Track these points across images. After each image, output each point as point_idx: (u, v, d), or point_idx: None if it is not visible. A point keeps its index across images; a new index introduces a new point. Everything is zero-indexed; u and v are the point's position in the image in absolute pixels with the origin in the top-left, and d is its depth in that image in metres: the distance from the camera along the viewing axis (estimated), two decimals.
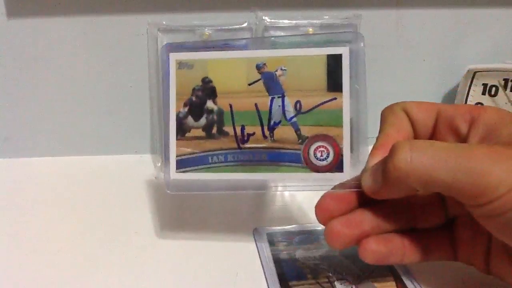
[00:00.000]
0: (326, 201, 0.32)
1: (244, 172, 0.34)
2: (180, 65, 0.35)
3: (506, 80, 0.52)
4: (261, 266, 0.36)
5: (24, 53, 0.52)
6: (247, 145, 0.34)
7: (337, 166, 0.34)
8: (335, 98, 0.34)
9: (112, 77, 0.54)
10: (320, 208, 0.32)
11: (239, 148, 0.34)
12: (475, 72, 0.52)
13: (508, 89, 0.52)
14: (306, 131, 0.34)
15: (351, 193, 0.32)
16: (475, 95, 0.53)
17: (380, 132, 0.34)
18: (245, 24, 0.52)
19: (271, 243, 0.39)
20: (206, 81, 0.35)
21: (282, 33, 0.52)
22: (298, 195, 0.46)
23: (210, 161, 0.35)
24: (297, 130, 0.34)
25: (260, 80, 0.34)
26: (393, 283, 0.35)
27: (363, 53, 0.34)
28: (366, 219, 0.32)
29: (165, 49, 0.36)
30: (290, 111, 0.34)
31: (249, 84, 0.34)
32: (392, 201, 0.32)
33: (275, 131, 0.34)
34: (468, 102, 0.53)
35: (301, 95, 0.34)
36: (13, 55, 0.52)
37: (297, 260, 0.37)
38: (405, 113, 0.34)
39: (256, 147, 0.34)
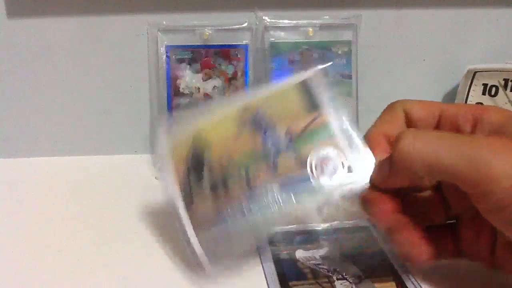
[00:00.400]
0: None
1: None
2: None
3: (506, 80, 0.52)
4: (261, 266, 0.36)
5: (24, 53, 0.52)
6: (256, 184, 0.34)
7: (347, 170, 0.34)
8: (318, 116, 0.35)
9: (112, 77, 0.54)
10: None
11: (250, 189, 0.34)
12: (475, 72, 0.52)
13: (508, 89, 0.52)
14: (306, 152, 0.34)
15: None
16: (475, 95, 0.53)
17: (372, 126, 0.35)
18: (245, 24, 0.52)
19: (271, 243, 0.39)
20: (196, 148, 0.35)
21: (282, 33, 0.52)
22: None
23: (228, 221, 0.34)
24: (297, 154, 0.34)
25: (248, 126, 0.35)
26: (393, 283, 0.34)
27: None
28: None
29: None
30: (284, 139, 0.35)
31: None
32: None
33: (278, 162, 0.35)
34: (468, 102, 0.53)
35: (288, 123, 0.35)
36: (13, 55, 0.52)
37: (297, 260, 0.37)
38: (403, 112, 0.34)
39: (265, 182, 0.34)
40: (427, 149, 0.28)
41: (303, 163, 0.34)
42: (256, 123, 0.35)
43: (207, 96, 0.52)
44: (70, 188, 0.49)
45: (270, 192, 0.33)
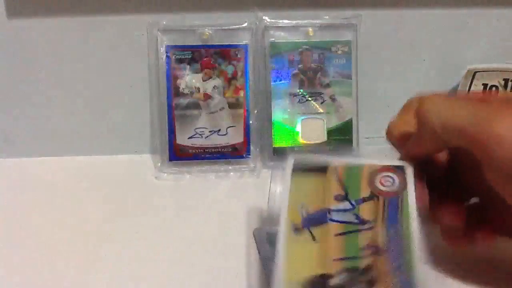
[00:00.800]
0: None
1: None
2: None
3: (506, 80, 0.52)
4: (261, 266, 0.36)
5: (24, 53, 0.52)
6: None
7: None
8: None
9: (112, 77, 0.54)
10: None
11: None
12: (475, 72, 0.52)
13: (508, 89, 0.52)
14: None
15: None
16: None
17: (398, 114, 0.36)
18: (245, 24, 0.52)
19: (271, 243, 0.39)
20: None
21: (282, 33, 0.52)
22: None
23: None
24: None
25: None
26: None
27: None
28: None
29: None
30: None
31: None
32: None
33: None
34: None
35: None
36: (13, 55, 0.52)
37: None
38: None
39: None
40: (443, 108, 0.31)
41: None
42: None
43: (207, 96, 0.52)
44: (70, 188, 0.49)
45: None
